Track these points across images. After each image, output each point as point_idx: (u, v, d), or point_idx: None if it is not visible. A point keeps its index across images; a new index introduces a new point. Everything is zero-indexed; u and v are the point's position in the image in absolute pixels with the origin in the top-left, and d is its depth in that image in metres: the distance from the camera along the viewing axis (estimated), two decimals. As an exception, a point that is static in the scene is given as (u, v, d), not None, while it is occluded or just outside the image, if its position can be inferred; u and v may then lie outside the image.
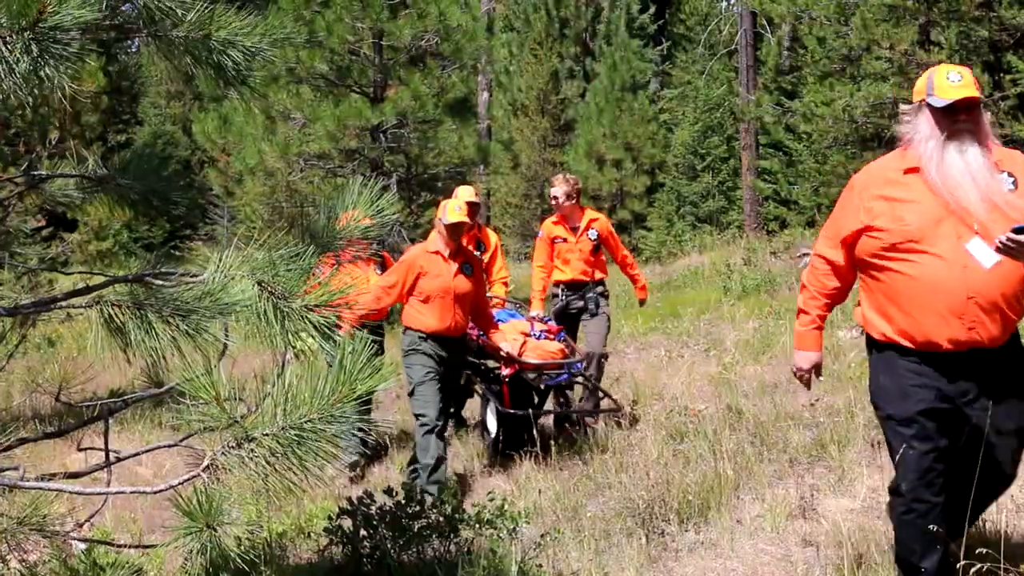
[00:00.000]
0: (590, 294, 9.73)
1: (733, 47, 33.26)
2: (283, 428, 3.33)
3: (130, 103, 47.37)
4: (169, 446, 4.25)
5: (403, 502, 5.99)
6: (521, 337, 8.84)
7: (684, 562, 5.81)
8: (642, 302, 10.45)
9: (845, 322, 12.90)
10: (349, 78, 19.71)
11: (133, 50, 47.04)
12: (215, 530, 3.29)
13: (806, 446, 7.55)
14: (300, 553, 6.42)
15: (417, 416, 7.72)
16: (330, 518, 6.10)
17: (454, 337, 8.03)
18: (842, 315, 13.41)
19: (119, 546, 5.29)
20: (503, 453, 8.67)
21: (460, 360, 8.39)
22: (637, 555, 5.77)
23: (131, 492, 3.89)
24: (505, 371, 8.78)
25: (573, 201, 9.72)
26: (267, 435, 3.31)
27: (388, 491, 6.24)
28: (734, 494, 6.58)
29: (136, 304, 3.64)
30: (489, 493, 6.60)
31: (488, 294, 9.20)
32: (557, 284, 9.84)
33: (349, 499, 6.15)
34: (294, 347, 3.77)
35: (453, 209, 7.92)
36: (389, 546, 5.84)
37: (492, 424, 9.17)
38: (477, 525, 6.23)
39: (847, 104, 21.29)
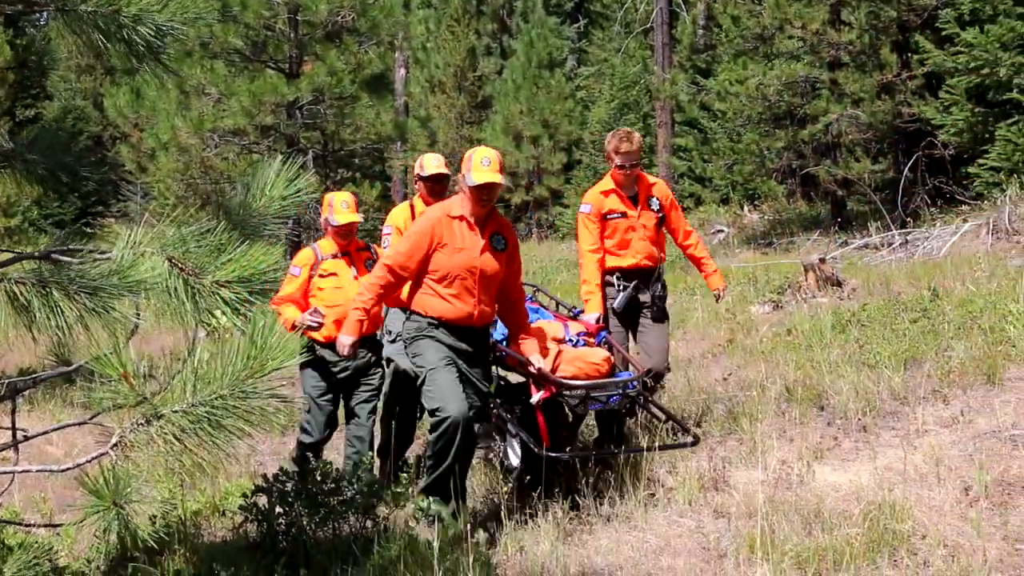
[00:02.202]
0: (656, 286, 7.66)
1: (649, 25, 33.40)
2: (193, 405, 3.31)
3: (39, 77, 46.22)
4: (78, 424, 4.20)
5: (319, 479, 5.98)
6: (553, 345, 6.70)
7: (598, 535, 5.87)
8: (718, 296, 8.23)
9: (757, 297, 13.08)
10: (264, 54, 19.55)
11: (42, 23, 46.00)
12: (123, 508, 3.26)
13: (719, 419, 7.66)
14: (215, 531, 6.39)
15: (433, 412, 5.97)
16: (245, 495, 6.06)
17: (476, 327, 6.29)
18: (754, 290, 13.61)
19: (28, 526, 5.23)
20: (530, 493, 6.46)
21: (482, 358, 6.47)
22: (553, 529, 5.81)
23: (37, 471, 3.85)
24: (536, 395, 6.39)
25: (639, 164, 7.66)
26: (176, 412, 3.29)
27: (304, 467, 6.21)
28: (648, 468, 6.66)
29: (41, 281, 3.58)
30: (407, 465, 6.59)
31: None
32: (611, 273, 7.62)
33: (265, 476, 6.12)
34: (208, 324, 3.75)
35: (480, 165, 6.12)
36: (305, 523, 5.83)
37: (515, 459, 6.84)
38: (394, 501, 6.24)
39: (760, 83, 21.57)
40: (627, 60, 35.61)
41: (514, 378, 7.01)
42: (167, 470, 4.17)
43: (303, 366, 7.20)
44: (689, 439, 6.66)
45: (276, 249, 3.81)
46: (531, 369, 6.34)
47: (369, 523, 6.02)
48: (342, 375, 7.32)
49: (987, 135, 17.18)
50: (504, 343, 6.72)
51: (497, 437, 7.19)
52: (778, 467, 6.30)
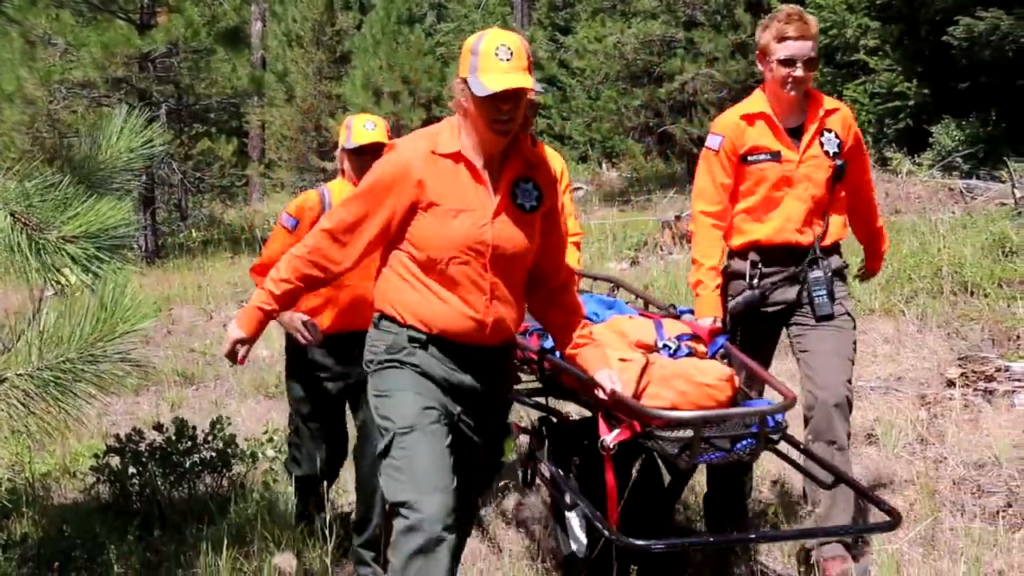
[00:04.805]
0: (816, 273, 4.89)
1: (509, -19, 33.42)
2: (39, 369, 3.22)
3: None
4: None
5: (173, 438, 5.89)
6: (639, 354, 4.27)
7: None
8: (872, 274, 5.59)
9: (615, 254, 13.24)
10: (114, 4, 18.93)
11: None
12: (-36, 471, 3.16)
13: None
14: (65, 493, 6.25)
15: (398, 509, 3.61)
16: (97, 456, 5.94)
17: (488, 346, 3.80)
18: (612, 247, 13.78)
19: None
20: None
21: (497, 406, 4.03)
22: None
23: None
24: (611, 434, 4.02)
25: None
26: (21, 376, 3.20)
27: (158, 427, 6.11)
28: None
29: None
30: (264, 430, 6.56)
31: None
32: (742, 252, 5.02)
33: (117, 436, 6.00)
34: (57, 282, 3.64)
35: (494, 58, 3.56)
36: (159, 483, 5.76)
37: (574, 544, 4.82)
38: (251, 460, 6.19)
39: (618, 41, 21.74)
40: (486, 16, 35.57)
41: (569, 410, 4.90)
42: (12, 432, 4.03)
43: (288, 371, 5.27)
44: (883, 519, 3.97)
45: (125, 204, 3.67)
46: (599, 394, 3.93)
47: (225, 482, 5.97)
48: (340, 385, 5.12)
49: (836, 95, 17.63)
50: (555, 354, 4.36)
51: (544, 507, 4.94)
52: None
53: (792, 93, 4.84)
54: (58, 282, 3.61)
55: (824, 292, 4.84)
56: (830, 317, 4.86)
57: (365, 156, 4.75)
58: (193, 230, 22.48)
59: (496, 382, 3.90)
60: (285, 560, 4.93)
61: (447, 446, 3.68)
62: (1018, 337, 7.68)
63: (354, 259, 3.74)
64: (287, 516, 5.27)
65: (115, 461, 5.84)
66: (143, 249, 18.86)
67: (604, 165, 26.87)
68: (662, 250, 12.78)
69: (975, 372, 7.09)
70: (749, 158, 4.90)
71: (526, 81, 3.53)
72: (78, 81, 18.98)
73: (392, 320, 3.76)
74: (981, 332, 7.95)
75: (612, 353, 4.11)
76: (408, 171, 3.65)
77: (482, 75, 3.54)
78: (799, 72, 4.79)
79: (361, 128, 4.93)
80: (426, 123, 33.31)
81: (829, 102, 5.00)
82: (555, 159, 5.45)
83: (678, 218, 13.42)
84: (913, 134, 17.24)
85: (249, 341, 3.78)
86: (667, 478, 4.63)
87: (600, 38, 21.97)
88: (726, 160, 4.95)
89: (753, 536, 4.83)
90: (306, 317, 4.85)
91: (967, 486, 5.52)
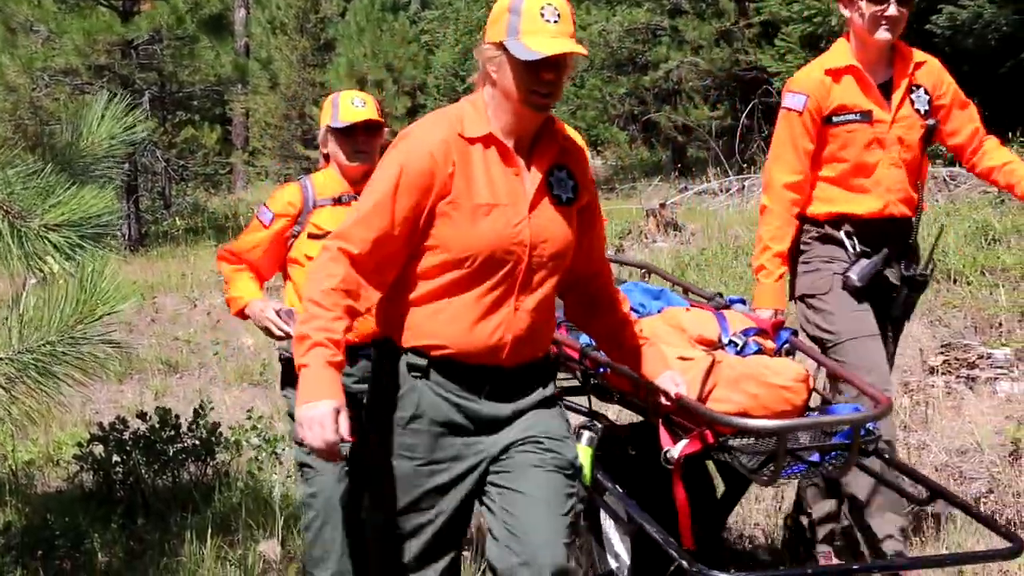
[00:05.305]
0: (915, 251, 4.51)
1: (494, -31, 33.30)
2: (19, 352, 3.21)
3: None
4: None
5: (157, 426, 5.88)
6: (702, 352, 3.76)
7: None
8: None
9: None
10: (97, -10, 18.90)
11: None
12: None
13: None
14: (48, 481, 6.25)
15: None
16: (80, 444, 5.94)
17: (507, 368, 3.07)
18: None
19: None
20: None
21: (534, 410, 3.15)
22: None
23: None
24: (676, 447, 3.50)
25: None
26: (1, 360, 3.19)
27: (142, 415, 6.10)
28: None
29: None
30: (248, 418, 6.56)
31: None
32: (832, 221, 4.40)
33: (101, 425, 6.00)
34: (40, 270, 3.64)
35: (538, 17, 2.95)
36: (143, 471, 5.75)
37: (613, 563, 4.08)
38: (235, 448, 6.19)
39: (603, 28, 21.73)
40: (471, 4, 35.48)
41: (612, 412, 4.26)
42: (-4, 419, 4.04)
43: (285, 379, 4.34)
44: (1011, 545, 3.41)
45: (108, 191, 3.62)
46: (662, 400, 3.41)
47: (209, 471, 5.97)
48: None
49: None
50: (597, 351, 3.79)
51: (583, 523, 4.08)
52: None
53: (885, 36, 4.22)
54: (40, 270, 3.60)
55: (916, 276, 4.39)
56: (900, 320, 4.48)
57: (355, 136, 4.24)
58: (177, 218, 22.42)
59: (526, 399, 3.11)
60: (270, 548, 4.93)
61: (443, 525, 3.04)
62: (1000, 324, 7.71)
63: (388, 283, 3.01)
64: (272, 504, 5.27)
65: (99, 449, 5.83)
66: (126, 237, 18.80)
67: (589, 153, 26.86)
68: (647, 238, 12.80)
69: (957, 359, 7.12)
70: (835, 118, 4.32)
71: (577, 47, 2.95)
72: (60, 68, 18.94)
73: (397, 345, 3.04)
74: (964, 320, 7.98)
75: (669, 351, 3.57)
76: (432, 162, 2.95)
77: (525, 37, 2.91)
78: (892, 10, 4.17)
79: (349, 105, 4.28)
80: (410, 111, 33.33)
81: (917, 54, 4.45)
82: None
83: (663, 206, 13.45)
84: (897, 122, 17.26)
85: (342, 407, 2.79)
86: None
87: (585, 26, 21.94)
88: (809, 122, 4.32)
89: (863, 567, 4.02)
90: (280, 305, 4.11)
91: (949, 472, 5.55)
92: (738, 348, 3.84)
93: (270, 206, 4.30)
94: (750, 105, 19.64)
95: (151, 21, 18.54)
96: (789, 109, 4.37)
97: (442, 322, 2.98)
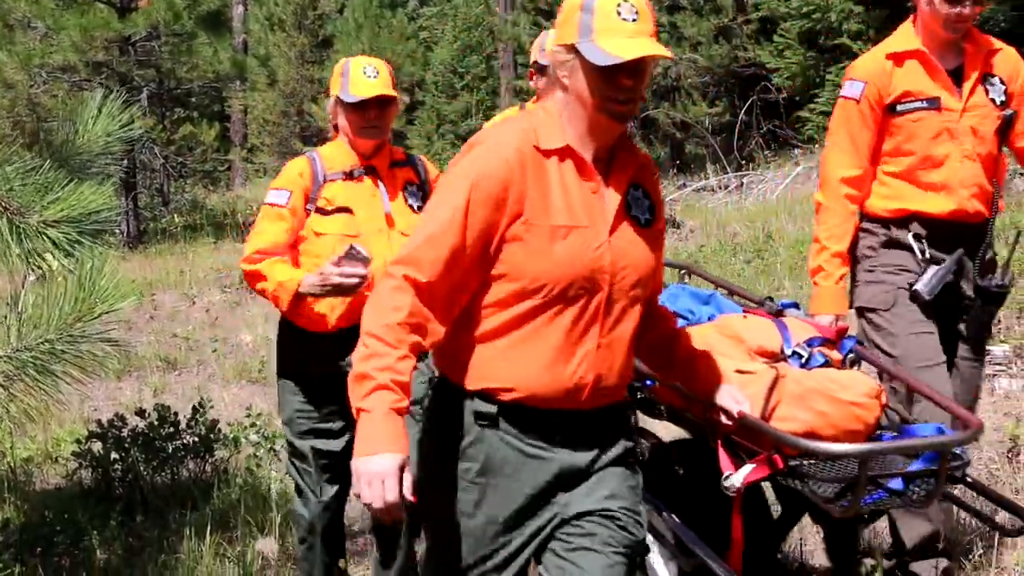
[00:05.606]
0: (989, 255, 4.10)
1: (492, -35, 33.34)
2: (18, 350, 3.21)
3: None
4: None
5: (156, 423, 5.88)
6: (763, 364, 3.39)
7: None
8: None
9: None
10: (94, -14, 18.88)
11: None
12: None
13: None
14: (47, 478, 6.25)
15: None
16: (79, 442, 5.94)
17: (586, 411, 2.71)
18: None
19: None
20: None
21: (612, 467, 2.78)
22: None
23: None
24: (739, 473, 3.09)
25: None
26: (0, 357, 3.19)
27: (140, 412, 6.10)
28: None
29: None
30: (247, 415, 6.55)
31: None
32: (898, 220, 4.05)
33: (99, 422, 5.99)
34: (39, 267, 3.63)
35: (614, 15, 2.57)
36: (142, 468, 5.75)
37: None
38: (234, 445, 6.19)
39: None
40: (469, 1, 35.48)
41: (661, 429, 3.75)
42: (-5, 417, 4.03)
43: (281, 373, 4.22)
44: None
45: (107, 188, 3.58)
46: (722, 419, 3.05)
47: (208, 468, 5.97)
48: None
49: (818, 79, 17.65)
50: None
51: None
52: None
53: (955, 34, 3.92)
54: (40, 267, 3.60)
55: (998, 294, 3.95)
56: (980, 340, 4.06)
57: (368, 110, 3.97)
58: (175, 215, 22.41)
59: (606, 453, 2.76)
60: (268, 545, 4.94)
61: None
62: (999, 321, 7.71)
63: (455, 316, 2.66)
64: (270, 500, 5.27)
65: (97, 447, 5.83)
66: (125, 234, 18.80)
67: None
68: (645, 235, 12.83)
69: (956, 356, 7.11)
70: (899, 107, 3.95)
71: (659, 49, 2.58)
72: (58, 65, 18.89)
73: (455, 384, 2.69)
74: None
75: (727, 363, 3.20)
76: (508, 172, 2.59)
77: (601, 39, 2.56)
78: (967, 9, 3.83)
79: (361, 75, 3.96)
80: (409, 108, 33.28)
81: (993, 41, 4.10)
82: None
83: (661, 203, 13.49)
84: (895, 118, 17.26)
85: (406, 463, 2.47)
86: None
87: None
88: (868, 111, 3.98)
89: None
90: (338, 256, 3.71)
91: (948, 469, 5.54)
92: (803, 360, 3.44)
93: (282, 184, 4.04)
94: (748, 101, 19.62)
95: (149, 17, 18.50)
96: (846, 98, 4.06)
97: (513, 361, 2.63)
